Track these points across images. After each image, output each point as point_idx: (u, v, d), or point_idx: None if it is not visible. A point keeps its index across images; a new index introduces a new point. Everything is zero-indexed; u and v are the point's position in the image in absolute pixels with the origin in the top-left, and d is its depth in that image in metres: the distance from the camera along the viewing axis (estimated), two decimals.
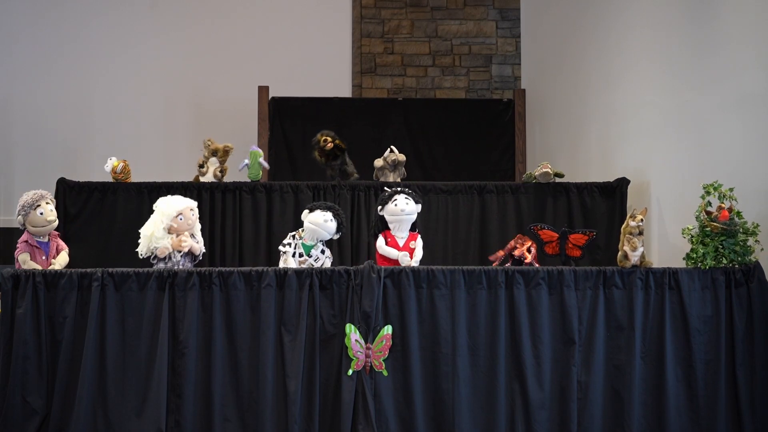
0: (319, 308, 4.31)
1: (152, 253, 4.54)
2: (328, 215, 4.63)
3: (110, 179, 5.60)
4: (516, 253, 4.75)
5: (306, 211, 4.69)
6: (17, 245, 4.47)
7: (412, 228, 4.75)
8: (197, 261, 4.67)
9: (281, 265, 4.57)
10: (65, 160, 7.71)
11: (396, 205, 4.68)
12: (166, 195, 5.47)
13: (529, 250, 4.74)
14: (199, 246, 4.62)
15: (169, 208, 4.56)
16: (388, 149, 5.77)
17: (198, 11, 8.27)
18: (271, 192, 5.57)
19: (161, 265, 4.49)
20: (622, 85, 6.09)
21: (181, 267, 4.54)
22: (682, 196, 5.18)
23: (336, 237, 4.74)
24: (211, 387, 4.24)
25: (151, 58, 8.14)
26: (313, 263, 4.59)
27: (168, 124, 8.08)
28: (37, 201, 4.45)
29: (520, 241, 4.82)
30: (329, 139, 5.68)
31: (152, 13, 8.20)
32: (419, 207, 4.76)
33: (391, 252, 4.62)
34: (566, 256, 4.88)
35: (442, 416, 4.30)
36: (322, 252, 4.66)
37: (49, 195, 4.55)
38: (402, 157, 5.75)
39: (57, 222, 4.52)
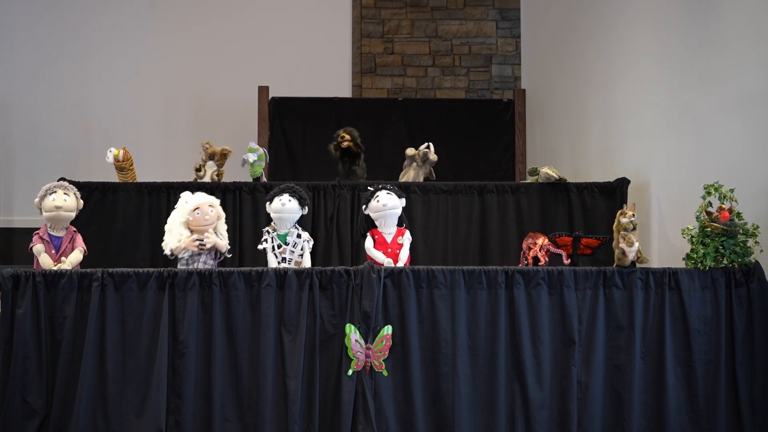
0: (319, 308, 4.31)
1: (172, 252, 4.53)
2: (285, 197, 4.62)
3: (112, 177, 5.61)
4: (530, 255, 4.75)
5: (267, 203, 4.69)
6: (33, 237, 4.50)
7: (400, 223, 4.77)
8: (222, 258, 4.64)
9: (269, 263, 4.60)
10: (65, 160, 7.72)
11: (378, 201, 4.71)
12: (166, 195, 5.52)
13: (541, 249, 4.74)
14: (223, 243, 4.59)
15: (187, 204, 4.57)
16: (426, 144, 5.86)
17: (198, 11, 8.28)
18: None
19: (184, 261, 4.49)
20: (622, 85, 6.09)
21: (202, 263, 4.51)
22: (682, 196, 5.18)
23: (305, 212, 4.71)
24: (211, 387, 4.24)
25: (151, 58, 8.14)
26: (293, 250, 4.59)
27: (168, 124, 8.09)
28: (54, 188, 4.51)
29: (531, 240, 4.80)
30: (347, 137, 5.71)
31: (152, 13, 8.21)
32: (403, 201, 4.78)
33: (377, 255, 4.63)
34: (577, 255, 4.88)
35: (442, 416, 4.30)
36: (299, 236, 4.64)
37: (74, 190, 4.56)
38: (434, 157, 5.83)
39: (67, 214, 4.49)
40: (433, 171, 5.95)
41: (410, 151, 5.91)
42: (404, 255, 4.67)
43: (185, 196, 4.65)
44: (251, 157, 5.65)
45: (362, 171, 5.80)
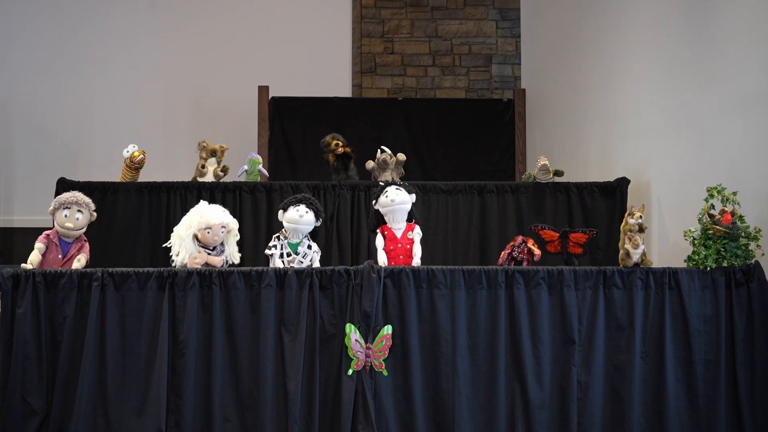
0: (319, 308, 4.31)
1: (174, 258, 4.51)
2: (302, 208, 4.58)
3: (112, 177, 5.62)
4: (515, 254, 4.75)
5: (280, 212, 4.64)
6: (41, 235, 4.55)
7: (410, 219, 4.77)
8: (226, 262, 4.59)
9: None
10: (65, 160, 7.71)
11: (387, 196, 4.70)
12: (166, 195, 5.51)
13: (530, 252, 4.73)
14: (219, 259, 4.50)
15: (201, 219, 4.46)
16: (379, 149, 5.77)
17: (198, 11, 8.28)
18: (271, 192, 5.57)
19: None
20: (622, 85, 6.09)
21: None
22: (682, 196, 5.18)
23: (318, 224, 4.68)
24: (211, 387, 4.24)
25: (151, 58, 8.14)
26: (302, 260, 4.57)
27: (168, 124, 8.09)
28: (68, 204, 4.51)
29: (518, 241, 4.81)
30: (340, 143, 5.73)
31: (152, 13, 8.21)
32: (413, 197, 4.77)
33: (381, 258, 4.62)
34: (568, 254, 4.88)
35: (442, 416, 4.30)
36: (309, 248, 4.62)
37: (89, 206, 4.57)
38: (399, 158, 5.74)
39: (76, 232, 4.52)
40: (403, 169, 5.85)
41: (369, 164, 5.80)
42: (417, 250, 4.67)
43: (201, 207, 4.53)
44: (262, 170, 5.71)
45: (355, 174, 5.82)
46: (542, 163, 5.72)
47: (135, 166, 5.59)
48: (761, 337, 4.39)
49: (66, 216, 4.49)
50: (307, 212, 4.58)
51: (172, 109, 8.12)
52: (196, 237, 4.47)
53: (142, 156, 5.59)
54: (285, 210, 4.62)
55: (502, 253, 4.83)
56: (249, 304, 4.31)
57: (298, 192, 5.51)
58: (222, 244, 4.55)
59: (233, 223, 4.59)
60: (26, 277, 4.23)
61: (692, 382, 4.39)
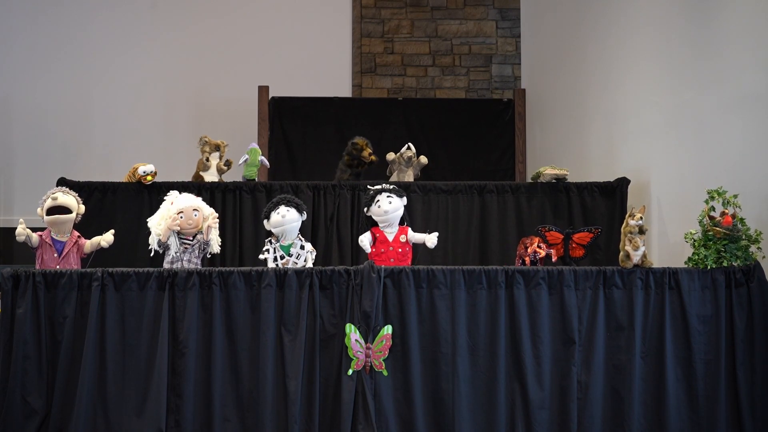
0: (319, 308, 4.31)
1: (158, 244, 4.55)
2: (282, 209, 4.55)
3: (111, 177, 5.63)
4: (529, 251, 4.73)
5: (264, 221, 4.62)
6: None
7: (402, 222, 4.78)
8: (205, 252, 4.63)
9: None
10: (65, 160, 7.71)
11: (379, 206, 4.71)
12: (165, 195, 5.50)
13: (539, 246, 4.72)
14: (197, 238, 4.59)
15: (172, 206, 4.57)
16: (406, 146, 5.80)
17: (198, 11, 8.28)
18: (271, 192, 5.56)
19: (169, 258, 4.53)
20: (623, 85, 6.09)
21: (186, 261, 4.53)
22: (682, 196, 5.18)
23: (304, 218, 4.65)
24: (211, 387, 4.24)
25: (151, 58, 8.14)
26: (296, 261, 4.55)
27: (168, 124, 8.09)
28: (52, 192, 4.59)
29: (527, 241, 4.80)
30: (371, 150, 5.69)
31: (152, 13, 8.21)
32: (404, 200, 4.79)
33: (363, 241, 4.71)
34: (569, 258, 4.87)
35: (442, 416, 4.30)
36: (302, 248, 4.59)
37: (63, 193, 4.59)
38: (422, 160, 5.84)
39: (66, 216, 4.53)
40: (420, 173, 5.90)
41: (390, 155, 5.84)
42: (420, 235, 4.73)
43: (172, 195, 4.65)
44: (263, 160, 5.70)
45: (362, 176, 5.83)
46: (555, 171, 5.74)
47: (140, 180, 5.57)
48: (761, 337, 4.39)
49: (54, 199, 4.52)
50: (288, 211, 4.55)
51: (172, 109, 8.11)
52: (174, 231, 4.54)
53: (152, 180, 5.53)
54: (267, 218, 4.59)
55: (520, 258, 4.81)
56: (249, 304, 4.31)
57: (298, 192, 5.52)
58: (201, 233, 4.58)
59: (207, 209, 4.65)
60: (26, 277, 4.23)
61: (692, 382, 4.39)
